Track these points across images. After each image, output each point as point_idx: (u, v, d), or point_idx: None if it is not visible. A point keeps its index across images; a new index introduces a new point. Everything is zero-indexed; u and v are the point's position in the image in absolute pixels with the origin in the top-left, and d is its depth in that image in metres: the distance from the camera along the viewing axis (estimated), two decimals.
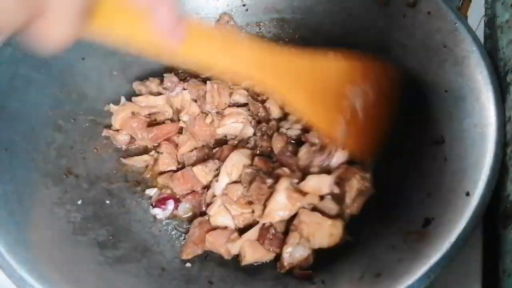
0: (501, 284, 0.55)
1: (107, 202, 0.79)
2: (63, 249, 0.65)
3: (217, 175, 0.79)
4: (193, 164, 0.81)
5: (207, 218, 0.77)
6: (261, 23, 0.99)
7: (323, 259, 0.69)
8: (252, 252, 0.70)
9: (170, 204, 0.80)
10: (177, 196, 0.81)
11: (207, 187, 0.81)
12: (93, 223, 0.74)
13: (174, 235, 0.79)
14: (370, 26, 0.86)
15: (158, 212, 0.80)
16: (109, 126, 0.87)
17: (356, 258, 0.65)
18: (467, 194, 0.57)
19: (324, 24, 0.95)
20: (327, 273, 0.65)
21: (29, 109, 0.76)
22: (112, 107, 0.86)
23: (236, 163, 0.77)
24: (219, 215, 0.75)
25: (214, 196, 0.78)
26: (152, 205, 0.81)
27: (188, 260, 0.74)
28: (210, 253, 0.75)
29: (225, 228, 0.75)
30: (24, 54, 0.76)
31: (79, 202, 0.75)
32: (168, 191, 0.82)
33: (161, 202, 0.80)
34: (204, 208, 0.79)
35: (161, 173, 0.84)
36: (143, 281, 0.67)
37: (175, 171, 0.83)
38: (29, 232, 0.63)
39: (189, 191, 0.80)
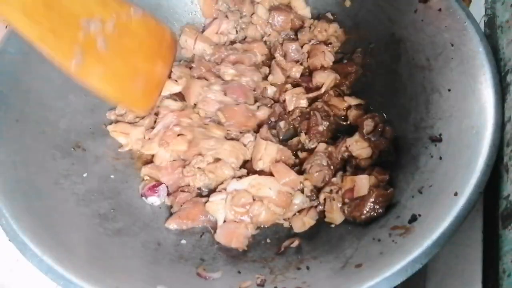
0: (501, 284, 0.56)
1: (112, 176, 0.82)
2: (65, 218, 0.68)
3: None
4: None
5: (203, 200, 0.79)
6: None
7: (311, 247, 0.71)
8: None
9: (163, 189, 0.82)
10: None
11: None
12: (97, 195, 0.77)
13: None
14: (382, 19, 0.86)
15: (154, 200, 0.81)
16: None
17: (343, 248, 0.66)
18: (455, 194, 0.58)
19: (336, 15, 0.95)
20: (312, 260, 0.67)
21: (42, 83, 0.79)
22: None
23: (264, 152, 0.79)
24: (216, 206, 0.77)
25: (223, 189, 0.79)
26: (144, 196, 0.82)
27: (183, 237, 0.77)
28: (205, 231, 0.78)
29: None
30: None
31: (85, 175, 0.79)
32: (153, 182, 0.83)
33: (152, 190, 0.81)
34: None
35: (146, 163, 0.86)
36: (138, 253, 0.70)
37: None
38: (34, 201, 0.67)
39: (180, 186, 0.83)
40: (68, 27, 0.62)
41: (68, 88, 0.83)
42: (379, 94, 0.87)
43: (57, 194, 0.71)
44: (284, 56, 0.93)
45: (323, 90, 0.88)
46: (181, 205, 0.80)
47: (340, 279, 0.58)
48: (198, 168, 0.81)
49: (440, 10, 0.73)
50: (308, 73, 0.93)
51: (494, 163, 0.59)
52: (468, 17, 0.69)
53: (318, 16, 0.97)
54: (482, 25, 0.73)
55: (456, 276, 0.65)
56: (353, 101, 0.87)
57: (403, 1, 0.80)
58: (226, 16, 0.97)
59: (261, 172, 0.80)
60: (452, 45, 0.70)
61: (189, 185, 0.82)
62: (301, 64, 0.93)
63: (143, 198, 0.82)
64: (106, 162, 0.84)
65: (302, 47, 0.94)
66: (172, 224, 0.77)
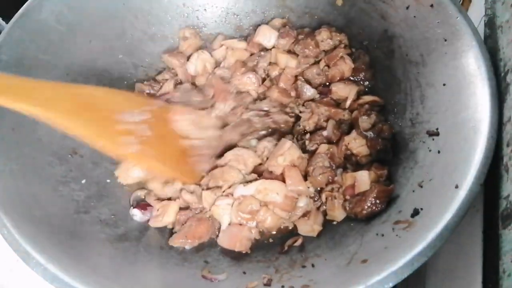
0: (501, 284, 0.55)
1: (108, 181, 0.82)
2: (66, 226, 0.68)
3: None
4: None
5: (207, 216, 0.78)
6: (266, 12, 1.01)
7: (314, 245, 0.71)
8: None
9: (152, 212, 0.80)
10: None
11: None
12: (96, 202, 0.77)
13: None
14: (374, 17, 0.87)
15: (136, 213, 0.79)
16: None
17: (347, 245, 0.67)
18: (456, 186, 0.58)
19: (329, 13, 0.95)
20: (317, 258, 0.67)
21: None
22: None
23: (287, 151, 0.79)
24: (222, 210, 0.77)
25: (230, 193, 0.79)
26: (132, 205, 0.81)
27: None
28: None
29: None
30: (33, 36, 0.79)
31: (83, 181, 0.78)
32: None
33: (142, 206, 0.80)
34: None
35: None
36: (141, 258, 0.70)
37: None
38: (34, 209, 0.66)
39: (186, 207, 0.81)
40: (108, 122, 0.70)
41: None
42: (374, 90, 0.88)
43: (56, 202, 0.71)
44: (309, 83, 0.92)
45: (347, 105, 0.86)
46: (183, 224, 0.78)
47: (347, 275, 0.58)
48: (217, 186, 0.80)
49: (432, 6, 0.73)
50: (326, 83, 0.92)
51: (493, 158, 0.59)
52: (459, 12, 0.69)
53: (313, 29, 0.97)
54: (482, 25, 0.74)
55: (456, 276, 0.65)
56: (368, 98, 0.86)
57: None
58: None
59: (268, 175, 0.79)
60: (445, 40, 0.71)
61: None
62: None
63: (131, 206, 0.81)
64: (104, 167, 0.84)
65: (318, 62, 0.93)
66: (176, 243, 0.75)
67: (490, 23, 0.73)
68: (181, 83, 0.97)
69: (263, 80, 0.95)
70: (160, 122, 0.79)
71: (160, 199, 0.81)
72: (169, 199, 0.81)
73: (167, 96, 0.91)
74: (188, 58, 0.97)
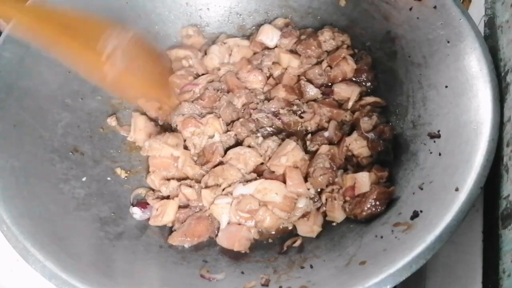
0: (501, 284, 0.56)
1: (108, 179, 0.82)
2: (65, 223, 0.68)
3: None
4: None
5: (207, 214, 0.78)
6: (269, 12, 1.01)
7: (313, 246, 0.71)
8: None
9: (152, 210, 0.80)
10: None
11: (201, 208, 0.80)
12: (96, 199, 0.77)
13: None
14: (377, 17, 0.86)
15: (136, 212, 0.79)
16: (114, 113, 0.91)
17: (346, 246, 0.67)
18: (456, 189, 0.58)
19: (332, 14, 0.95)
20: (316, 259, 0.67)
21: (38, 88, 0.78)
22: None
23: (290, 152, 0.79)
24: (221, 209, 0.77)
25: (229, 192, 0.79)
26: (132, 204, 0.81)
27: None
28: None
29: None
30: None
31: (84, 179, 0.78)
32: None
33: (143, 205, 0.80)
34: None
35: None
36: (140, 256, 0.70)
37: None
38: (34, 206, 0.66)
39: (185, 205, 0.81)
40: (94, 52, 0.74)
41: (64, 92, 0.83)
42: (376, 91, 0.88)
43: (57, 199, 0.71)
44: (311, 83, 0.91)
45: (349, 105, 0.87)
46: (183, 222, 0.78)
47: (345, 277, 0.58)
48: (216, 185, 0.79)
49: (435, 7, 0.73)
50: (328, 83, 0.92)
51: (493, 158, 0.59)
52: (463, 14, 0.69)
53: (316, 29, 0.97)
54: (482, 25, 0.73)
55: (456, 276, 0.65)
56: (370, 99, 0.86)
57: None
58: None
59: (269, 175, 0.79)
60: (448, 42, 0.71)
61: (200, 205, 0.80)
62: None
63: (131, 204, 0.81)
64: (105, 165, 0.84)
65: (321, 63, 0.93)
66: (175, 241, 0.75)
67: (490, 23, 0.73)
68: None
69: (268, 78, 0.95)
70: (130, 50, 0.82)
71: (159, 198, 0.81)
72: (168, 197, 0.81)
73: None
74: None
